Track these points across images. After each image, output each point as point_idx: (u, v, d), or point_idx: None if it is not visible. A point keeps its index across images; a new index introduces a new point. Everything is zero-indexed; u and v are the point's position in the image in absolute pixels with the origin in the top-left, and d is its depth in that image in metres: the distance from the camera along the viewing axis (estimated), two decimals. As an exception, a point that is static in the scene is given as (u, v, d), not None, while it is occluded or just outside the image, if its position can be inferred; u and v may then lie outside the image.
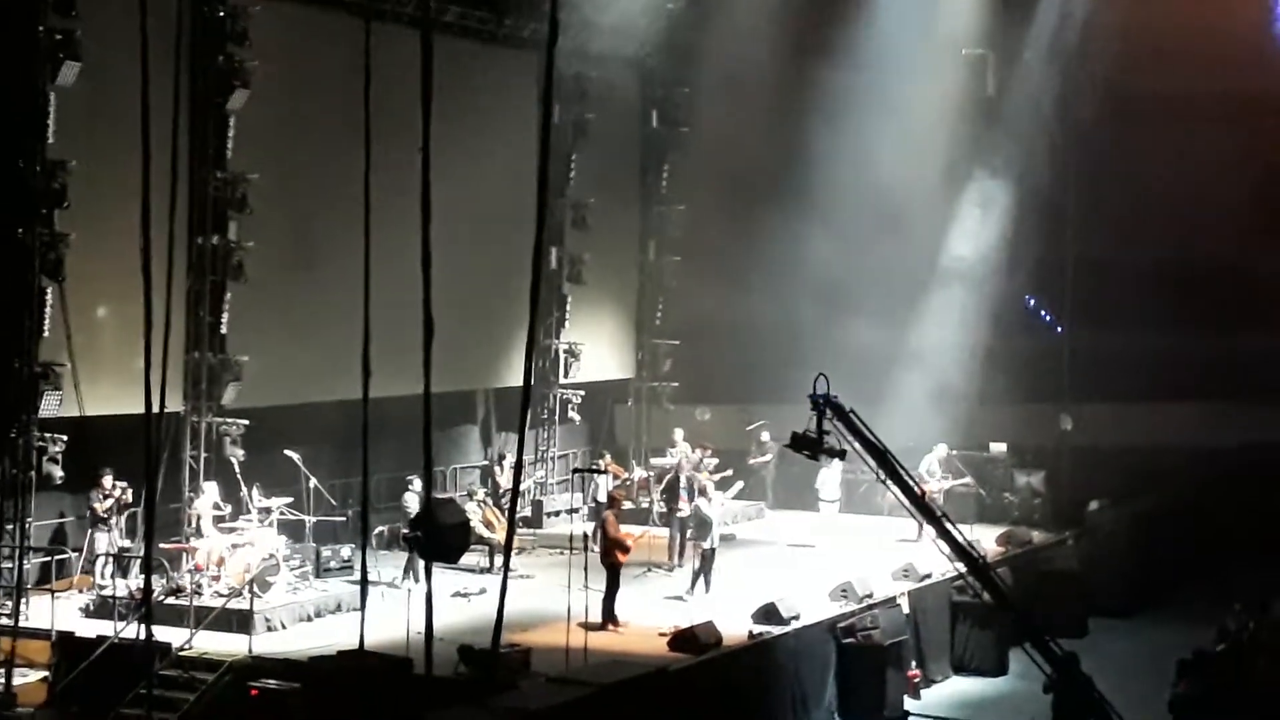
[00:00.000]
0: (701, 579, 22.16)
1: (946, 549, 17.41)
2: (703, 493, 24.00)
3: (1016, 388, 30.28)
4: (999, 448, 29.65)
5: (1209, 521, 28.68)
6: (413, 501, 21.99)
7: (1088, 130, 30.29)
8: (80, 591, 20.67)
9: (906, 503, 17.44)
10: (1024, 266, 31.44)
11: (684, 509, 23.74)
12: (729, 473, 26.42)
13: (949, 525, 17.30)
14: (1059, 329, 32.77)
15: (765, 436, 29.47)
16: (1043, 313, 33.36)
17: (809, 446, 16.86)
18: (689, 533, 23.22)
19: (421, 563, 21.70)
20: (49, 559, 20.87)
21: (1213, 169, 29.39)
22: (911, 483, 17.62)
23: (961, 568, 18.54)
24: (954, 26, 31.03)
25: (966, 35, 31.18)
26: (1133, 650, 24.04)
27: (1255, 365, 30.46)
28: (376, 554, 21.95)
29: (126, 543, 20.85)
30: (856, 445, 16.81)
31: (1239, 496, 28.92)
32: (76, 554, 21.13)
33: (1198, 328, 30.60)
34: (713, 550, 22.42)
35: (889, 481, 17.13)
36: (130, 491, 20.64)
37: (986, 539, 24.39)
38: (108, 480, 20.60)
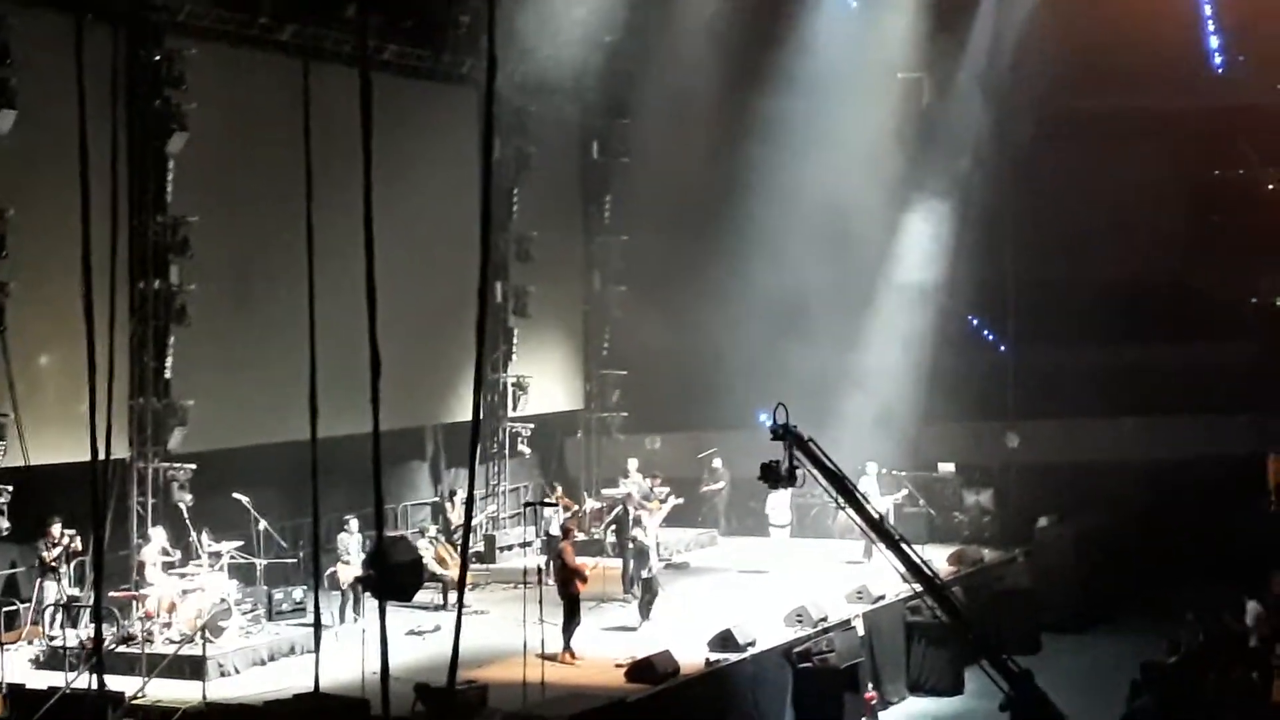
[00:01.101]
0: (642, 607, 22.17)
1: (904, 571, 17.50)
2: (638, 523, 24.02)
3: (962, 407, 30.50)
4: (947, 467, 29.82)
5: (1157, 535, 28.90)
6: (348, 542, 21.90)
7: (1024, 150, 30.59)
8: (30, 643, 20.43)
9: (865, 527, 17.54)
10: (966, 286, 31.69)
11: (637, 537, 23.67)
12: (680, 501, 26.40)
13: (906, 548, 17.39)
14: (1002, 347, 33.02)
15: (717, 464, 29.55)
16: (986, 331, 33.59)
17: (778, 476, 16.94)
18: (633, 564, 23.20)
19: (353, 599, 21.72)
20: (-1, 610, 20.65)
21: (1149, 185, 29.76)
22: (868, 507, 17.72)
23: (917, 588, 18.64)
24: (889, 51, 31.34)
25: (901, 59, 31.48)
26: (1086, 665, 24.18)
27: (1197, 378, 30.79)
28: (329, 595, 21.81)
29: (75, 591, 20.64)
30: (815, 473, 16.90)
31: (1186, 510, 29.16)
32: (26, 605, 20.90)
33: (1140, 343, 30.93)
34: (651, 578, 22.39)
35: (847, 507, 17.23)
36: (79, 539, 20.43)
37: (937, 559, 24.48)
38: (56, 529, 20.39)
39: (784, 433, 16.70)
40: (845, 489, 17.11)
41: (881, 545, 17.66)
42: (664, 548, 25.01)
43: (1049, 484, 29.69)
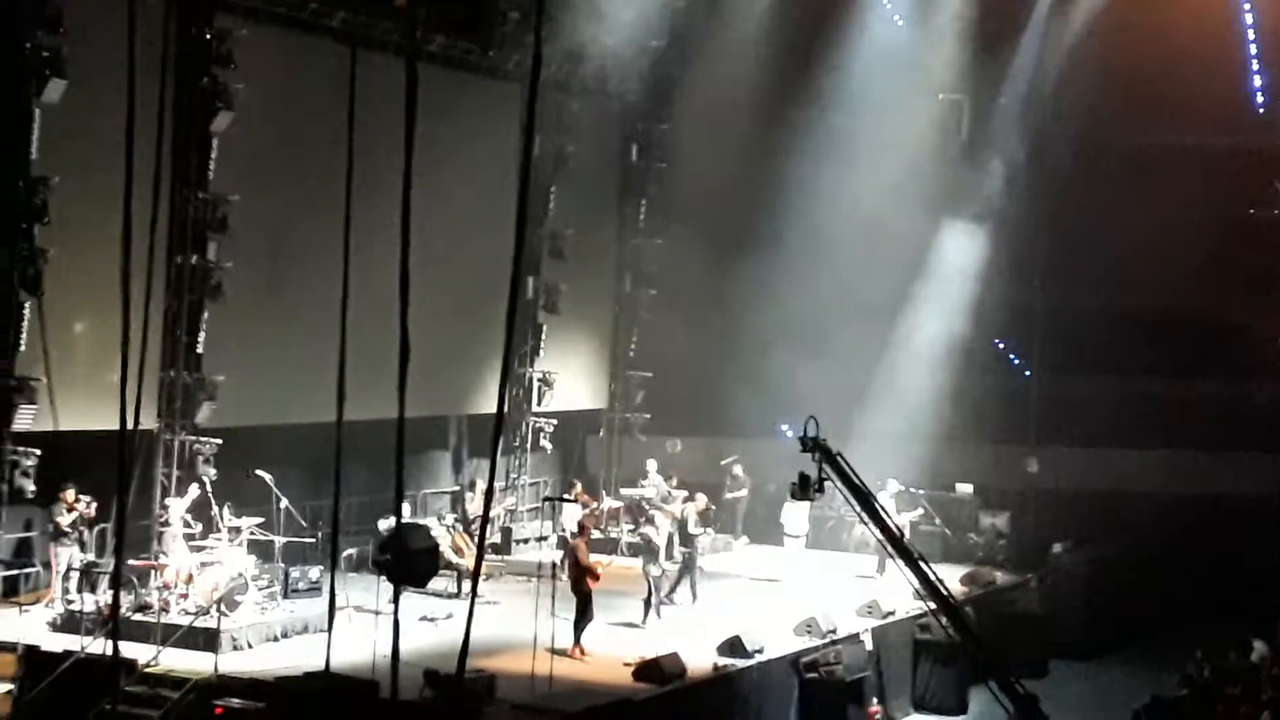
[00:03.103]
0: (652, 605, 22.31)
1: (920, 587, 17.57)
2: (650, 521, 24.15)
3: (984, 429, 30.55)
4: (965, 488, 29.88)
5: (1170, 569, 28.92)
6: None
7: (1060, 177, 30.63)
8: (46, 606, 20.69)
9: (885, 543, 17.65)
10: (995, 309, 31.74)
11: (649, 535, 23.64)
12: (704, 502, 26.46)
13: (925, 566, 17.46)
14: (1027, 372, 33.06)
15: (739, 470, 29.62)
16: (1012, 355, 33.63)
17: (811, 488, 17.02)
18: (641, 560, 23.24)
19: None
20: (16, 572, 20.87)
21: (1182, 220, 29.70)
22: (891, 524, 17.81)
23: (928, 607, 18.70)
24: (932, 71, 31.41)
25: (944, 80, 31.56)
26: (1092, 692, 24.24)
27: (1221, 415, 30.77)
28: (345, 576, 22.00)
29: (91, 557, 20.87)
30: (841, 487, 16.98)
31: (1201, 545, 29.16)
32: (45, 568, 21.16)
33: (1165, 376, 30.89)
34: (660, 576, 22.52)
35: (869, 522, 17.32)
36: (94, 506, 20.67)
37: (951, 578, 24.49)
38: (70, 494, 20.62)
39: (814, 445, 16.75)
40: (869, 504, 17.19)
41: (900, 561, 17.75)
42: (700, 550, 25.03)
43: (1066, 511, 29.75)
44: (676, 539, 24.64)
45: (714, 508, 28.09)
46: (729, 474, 29.67)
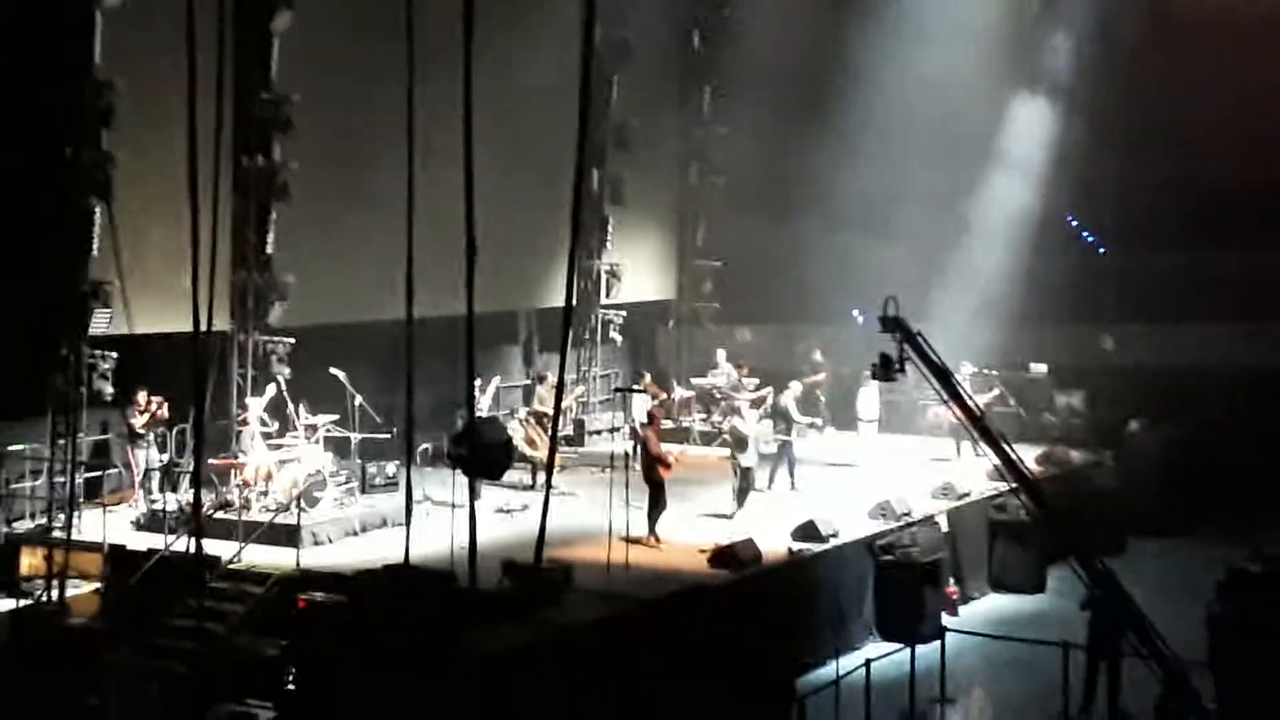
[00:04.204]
0: (745, 496, 22.37)
1: (1002, 467, 17.44)
2: (737, 411, 24.15)
3: (1058, 308, 30.26)
4: (1039, 368, 29.72)
5: (1245, 443, 28.66)
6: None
7: (1130, 49, 30.03)
8: (130, 506, 21.03)
9: (967, 423, 17.53)
10: (1068, 186, 31.35)
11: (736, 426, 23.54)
12: (768, 390, 26.46)
13: (1006, 446, 17.32)
14: (1101, 249, 32.70)
15: (817, 355, 29.49)
16: (1084, 233, 33.25)
17: (893, 369, 16.80)
18: (731, 451, 23.25)
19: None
20: (97, 474, 21.23)
21: (1259, 90, 29.13)
22: (972, 404, 17.66)
23: (1003, 486, 18.54)
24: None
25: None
26: (1169, 569, 24.15)
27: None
28: (421, 471, 22.23)
29: (167, 457, 21.17)
30: (922, 367, 16.82)
31: (1277, 418, 28.85)
32: (125, 469, 21.50)
33: (1239, 249, 30.42)
34: (749, 469, 22.56)
35: (951, 403, 17.17)
36: (166, 406, 20.92)
37: (1026, 458, 24.35)
38: (142, 396, 20.88)
39: (894, 324, 16.55)
40: (950, 384, 17.02)
41: (982, 442, 17.58)
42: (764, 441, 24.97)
43: (1141, 388, 29.50)
44: (771, 426, 24.54)
45: (818, 393, 27.84)
46: (808, 360, 29.52)
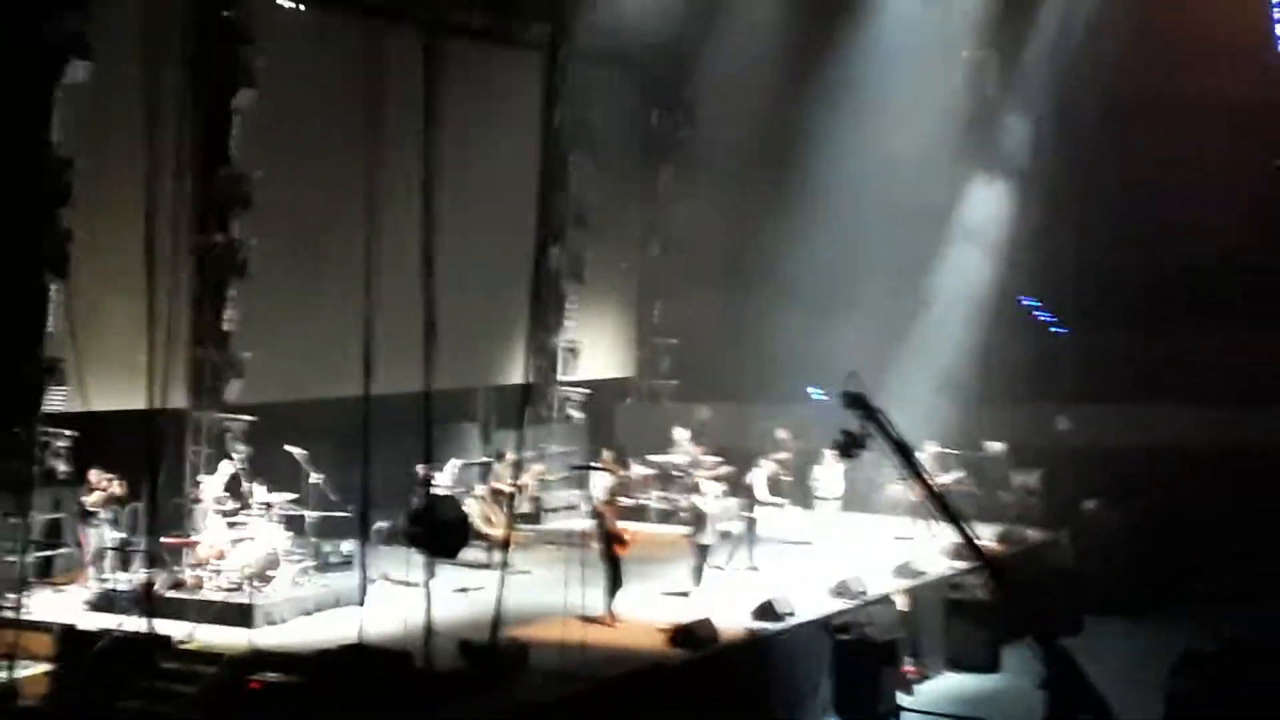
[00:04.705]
0: (701, 573, 22.32)
1: (964, 548, 17.44)
2: (697, 489, 24.15)
3: (1014, 387, 30.40)
4: (996, 446, 29.78)
5: (1202, 523, 28.80)
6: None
7: (1088, 131, 30.39)
8: (81, 586, 20.79)
9: (930, 502, 17.55)
10: (1025, 265, 31.58)
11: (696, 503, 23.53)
12: (730, 469, 26.44)
13: (966, 526, 17.32)
14: (1058, 329, 32.92)
15: (784, 434, 29.48)
16: (1041, 312, 33.49)
17: (856, 446, 16.77)
18: (691, 529, 23.22)
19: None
20: (49, 553, 21.00)
21: (1211, 171, 29.50)
22: (932, 483, 17.68)
23: (960, 566, 18.52)
24: (958, 26, 31.18)
25: (971, 35, 31.34)
26: (1127, 649, 24.15)
27: (1253, 369, 30.55)
28: (377, 549, 22.10)
29: (122, 535, 20.97)
30: (884, 443, 16.82)
31: (1234, 501, 29.01)
32: (78, 548, 21.27)
33: (1195, 330, 30.69)
34: (708, 547, 22.52)
35: (913, 481, 17.17)
36: (120, 484, 20.74)
37: (983, 537, 24.48)
38: (94, 475, 20.72)
39: (857, 401, 16.53)
40: (911, 462, 17.03)
41: (943, 520, 17.58)
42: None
43: (1097, 468, 29.60)
44: (735, 505, 24.52)
45: (786, 475, 27.80)
46: (774, 438, 29.46)
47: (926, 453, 26.31)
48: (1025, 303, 32.98)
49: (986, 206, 31.27)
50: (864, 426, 16.49)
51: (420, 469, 20.56)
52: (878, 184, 29.20)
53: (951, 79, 31.33)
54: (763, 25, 29.68)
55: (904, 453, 16.90)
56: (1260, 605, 21.12)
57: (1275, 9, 30.39)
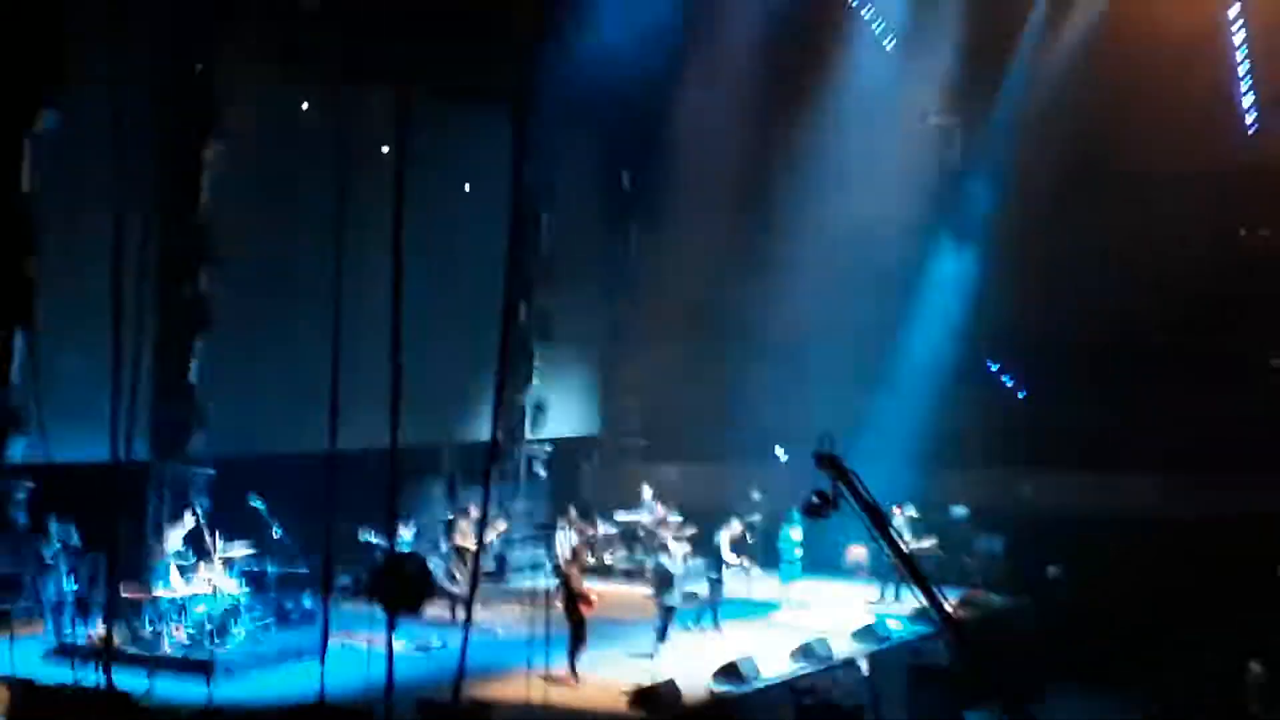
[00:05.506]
0: (658, 634, 22.23)
1: (933, 612, 17.38)
2: (664, 548, 24.07)
3: (978, 452, 30.50)
4: (959, 510, 29.83)
5: (1165, 592, 28.83)
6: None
7: (1050, 200, 30.64)
8: (41, 638, 20.57)
9: (899, 564, 17.52)
10: (988, 331, 31.75)
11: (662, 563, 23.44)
12: (694, 530, 26.40)
13: (935, 591, 17.29)
14: (1021, 395, 33.05)
15: (755, 495, 29.43)
16: (1005, 377, 33.63)
17: (826, 507, 16.71)
18: (655, 590, 23.15)
19: None
20: (6, 606, 20.76)
21: (1174, 240, 29.74)
22: (902, 545, 17.65)
23: (926, 629, 18.45)
24: (922, 92, 31.50)
25: (935, 101, 31.66)
26: (1087, 716, 24.13)
27: (1218, 438, 30.68)
28: (339, 605, 21.94)
29: (75, 587, 20.78)
30: (855, 505, 16.79)
31: (1195, 568, 29.07)
32: (36, 600, 21.06)
33: (1159, 398, 30.82)
34: (672, 608, 22.44)
35: (883, 543, 17.14)
36: (77, 536, 20.57)
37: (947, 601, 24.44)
38: (52, 526, 20.55)
39: (829, 462, 16.47)
40: (882, 524, 17.00)
41: (911, 583, 17.52)
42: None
43: (1060, 534, 29.65)
44: (701, 565, 24.45)
45: (749, 536, 27.65)
46: (744, 498, 29.41)
47: (903, 516, 26.48)
48: (989, 367, 33.12)
49: (950, 272, 31.46)
50: (836, 488, 16.47)
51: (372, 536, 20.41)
52: (845, 246, 29.42)
53: (918, 144, 31.60)
54: (730, 88, 29.86)
55: (875, 515, 16.88)
56: (1219, 672, 21.08)
57: (1242, 80, 30.73)
